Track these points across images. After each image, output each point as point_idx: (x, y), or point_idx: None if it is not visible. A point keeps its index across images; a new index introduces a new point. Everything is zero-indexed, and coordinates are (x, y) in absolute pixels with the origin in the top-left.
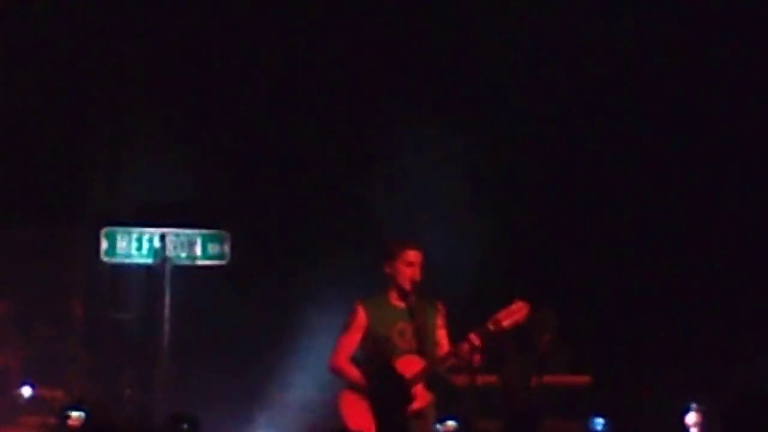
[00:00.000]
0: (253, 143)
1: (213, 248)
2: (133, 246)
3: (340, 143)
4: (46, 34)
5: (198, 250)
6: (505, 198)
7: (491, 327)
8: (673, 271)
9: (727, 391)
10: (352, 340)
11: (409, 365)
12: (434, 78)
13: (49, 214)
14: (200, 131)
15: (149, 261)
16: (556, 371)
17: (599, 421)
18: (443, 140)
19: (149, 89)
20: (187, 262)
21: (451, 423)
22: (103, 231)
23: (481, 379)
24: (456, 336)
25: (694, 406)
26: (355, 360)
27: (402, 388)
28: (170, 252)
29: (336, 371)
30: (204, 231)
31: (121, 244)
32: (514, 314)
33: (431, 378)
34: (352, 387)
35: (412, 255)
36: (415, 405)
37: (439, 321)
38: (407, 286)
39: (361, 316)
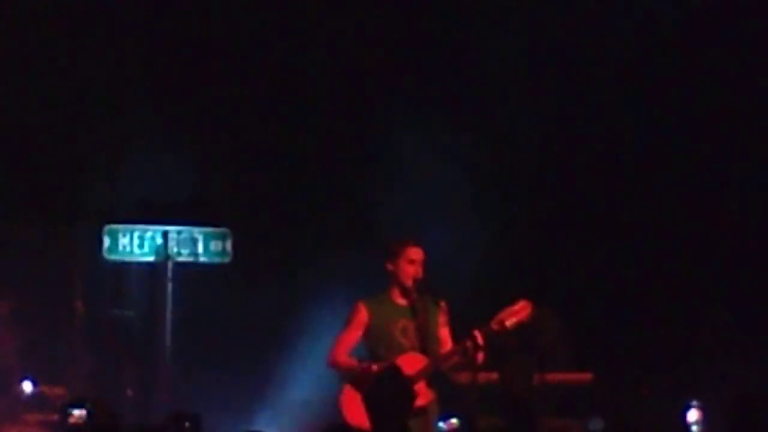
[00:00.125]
0: (255, 142)
1: (215, 246)
2: (135, 244)
3: (341, 143)
4: (45, 34)
5: (200, 248)
6: (505, 198)
7: (495, 326)
8: (674, 270)
9: (727, 389)
10: (352, 336)
11: (412, 363)
12: (434, 78)
13: (50, 213)
14: (201, 129)
15: (151, 259)
16: (558, 369)
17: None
18: (443, 140)
19: (150, 87)
20: (189, 260)
21: (453, 420)
22: (105, 229)
23: (483, 377)
24: (458, 334)
25: (694, 403)
26: (357, 358)
27: (404, 386)
28: (172, 250)
29: (334, 366)
30: (206, 229)
31: (123, 241)
32: (517, 313)
33: (434, 375)
34: (352, 383)
35: (414, 252)
36: (418, 402)
37: (442, 319)
38: (409, 283)
39: (363, 314)
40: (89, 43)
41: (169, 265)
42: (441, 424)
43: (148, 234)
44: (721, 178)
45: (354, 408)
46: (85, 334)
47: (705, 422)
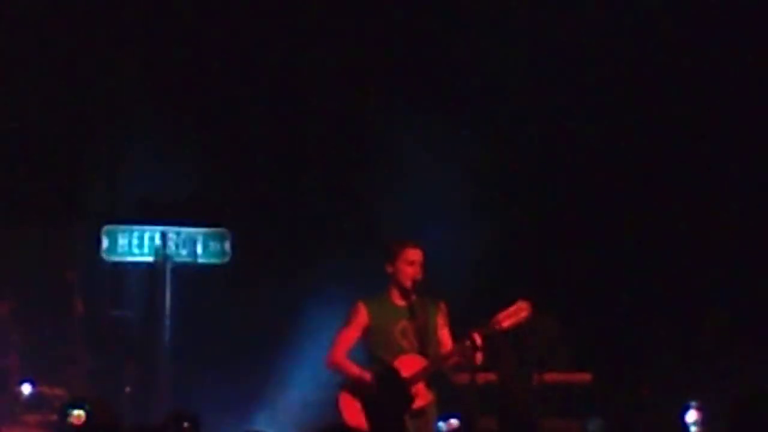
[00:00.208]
0: (254, 142)
1: (214, 246)
2: (134, 244)
3: (341, 143)
4: (46, 34)
5: (199, 249)
6: (504, 199)
7: (493, 326)
8: (674, 270)
9: (727, 390)
10: (351, 336)
11: (410, 364)
12: (434, 78)
13: (49, 213)
14: (201, 129)
15: (150, 259)
16: (557, 370)
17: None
18: (443, 140)
19: (149, 87)
20: (188, 261)
21: (453, 421)
22: (104, 229)
23: (482, 377)
24: (458, 335)
25: (693, 404)
26: (355, 359)
27: (401, 388)
28: (171, 250)
29: (333, 366)
30: (205, 229)
31: (122, 242)
32: (516, 314)
33: (432, 376)
34: (350, 384)
35: (413, 253)
36: (417, 403)
37: (441, 320)
38: (409, 284)
39: (363, 314)
40: (89, 43)
41: (168, 265)
42: (441, 425)
43: (147, 234)
44: (722, 178)
45: (352, 409)
46: (84, 334)
47: (704, 423)
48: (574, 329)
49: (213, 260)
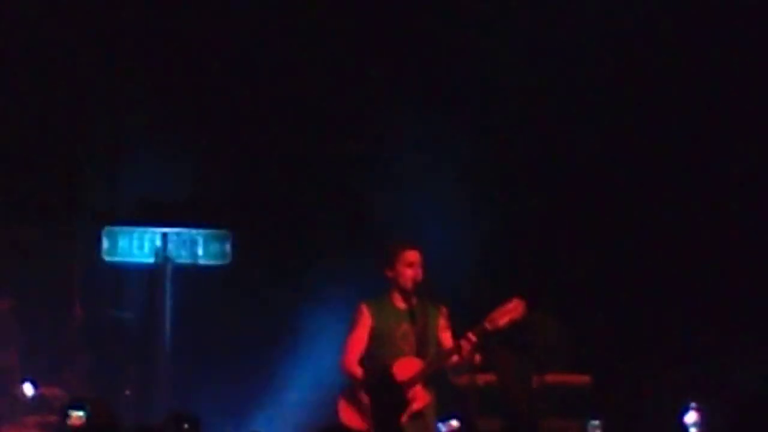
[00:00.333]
0: (255, 143)
1: (214, 248)
2: (134, 245)
3: (341, 144)
4: (46, 34)
5: (199, 250)
6: (504, 199)
7: (488, 325)
8: (673, 270)
9: (726, 391)
10: (361, 339)
11: (407, 367)
12: (434, 77)
13: (49, 213)
14: (201, 130)
15: (150, 260)
16: (557, 371)
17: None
18: (443, 140)
19: (150, 87)
20: (188, 262)
21: (453, 422)
22: (104, 230)
23: (482, 378)
24: (457, 335)
25: (693, 405)
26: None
27: (400, 390)
28: (171, 251)
29: (347, 372)
30: (205, 230)
31: (122, 243)
32: (510, 312)
33: (431, 378)
34: (350, 390)
35: (411, 255)
36: (415, 406)
37: (443, 323)
38: (410, 285)
39: (367, 316)
40: (89, 43)
41: (169, 266)
42: (441, 426)
43: (148, 235)
44: (722, 177)
45: (350, 414)
46: (84, 335)
47: (703, 423)
48: (574, 330)
49: (213, 261)
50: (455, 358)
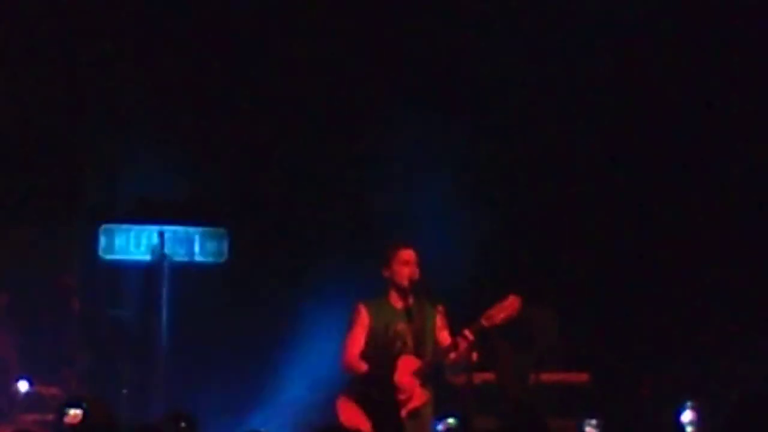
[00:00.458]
0: (252, 141)
1: (211, 246)
2: (131, 243)
3: (340, 143)
4: (46, 35)
5: (196, 248)
6: (502, 198)
7: (484, 322)
8: (672, 269)
9: (723, 390)
10: (360, 336)
11: (406, 365)
12: (433, 77)
13: (46, 212)
14: (199, 128)
15: (147, 258)
16: (554, 369)
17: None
18: (443, 139)
19: (147, 87)
20: (185, 260)
21: (450, 420)
22: (102, 228)
23: (479, 377)
24: (454, 334)
25: (689, 404)
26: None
27: (397, 389)
28: (168, 249)
29: (351, 368)
30: (202, 228)
31: (119, 241)
32: (506, 309)
33: (429, 377)
34: (349, 389)
35: (406, 254)
36: (412, 404)
37: (440, 322)
38: (406, 284)
39: (364, 315)
40: (89, 43)
41: (166, 264)
42: (438, 425)
43: (145, 233)
44: (722, 177)
45: (350, 412)
46: (81, 333)
47: (700, 422)
48: (572, 329)
49: (210, 259)
50: (452, 356)
